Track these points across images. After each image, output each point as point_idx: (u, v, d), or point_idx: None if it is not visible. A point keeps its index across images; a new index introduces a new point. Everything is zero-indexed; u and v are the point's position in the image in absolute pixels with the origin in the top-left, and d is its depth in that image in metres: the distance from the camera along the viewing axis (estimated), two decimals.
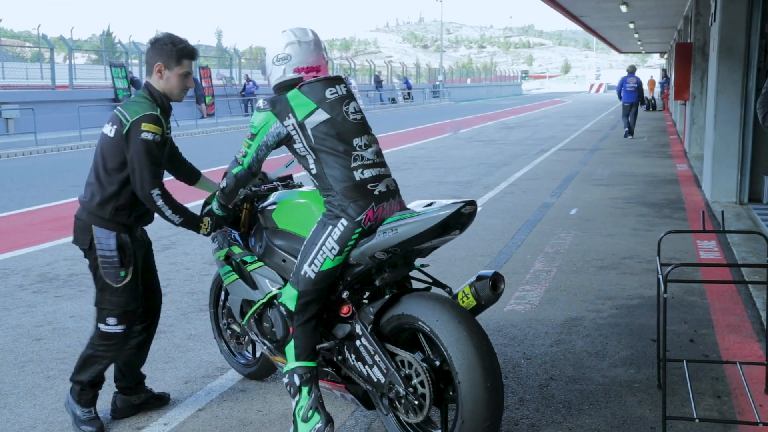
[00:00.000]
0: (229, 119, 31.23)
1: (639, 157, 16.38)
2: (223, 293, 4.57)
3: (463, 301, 3.37)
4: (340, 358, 3.59)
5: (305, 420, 3.45)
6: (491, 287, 3.30)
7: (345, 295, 3.52)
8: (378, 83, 50.83)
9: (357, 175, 3.43)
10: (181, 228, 3.91)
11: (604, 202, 10.63)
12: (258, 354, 4.43)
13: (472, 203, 3.29)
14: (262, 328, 3.92)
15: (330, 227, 3.39)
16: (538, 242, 8.18)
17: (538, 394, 4.23)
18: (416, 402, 3.27)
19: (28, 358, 4.94)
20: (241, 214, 4.16)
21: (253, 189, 4.18)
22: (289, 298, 3.54)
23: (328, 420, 3.45)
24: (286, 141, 3.52)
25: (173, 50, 3.74)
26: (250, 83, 35.30)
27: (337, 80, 3.58)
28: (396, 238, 3.28)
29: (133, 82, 28.23)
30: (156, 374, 4.66)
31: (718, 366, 4.54)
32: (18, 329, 5.51)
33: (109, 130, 3.71)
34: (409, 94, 53.72)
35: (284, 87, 3.58)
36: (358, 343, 3.45)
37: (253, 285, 3.98)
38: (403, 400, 3.32)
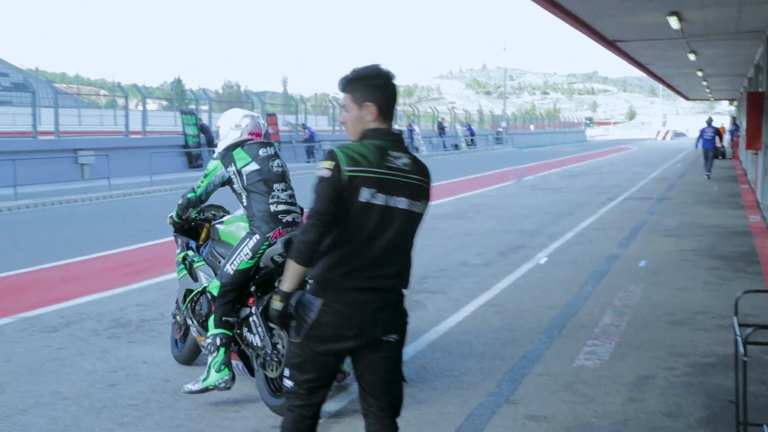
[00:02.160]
0: (293, 165, 31.62)
1: (709, 207, 16.07)
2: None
3: None
4: (238, 332, 5.04)
5: (218, 371, 4.89)
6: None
7: (252, 289, 5.05)
8: (441, 129, 51.07)
9: (272, 207, 4.95)
10: None
11: (674, 254, 10.43)
12: (187, 341, 5.78)
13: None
14: (194, 311, 5.40)
15: (248, 239, 4.92)
16: (607, 295, 8.06)
17: None
18: (276, 360, 4.79)
19: (103, 404, 5.04)
20: (201, 230, 5.80)
21: (214, 214, 5.84)
22: (215, 287, 5.04)
23: (233, 377, 4.93)
24: (228, 182, 5.09)
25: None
26: (305, 131, 35.82)
27: (269, 144, 5.20)
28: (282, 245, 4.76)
29: (203, 129, 28.94)
30: (225, 423, 4.72)
31: None
32: (93, 374, 5.64)
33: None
34: (472, 140, 53.82)
35: (232, 146, 5.13)
36: (251, 319, 4.98)
37: (195, 279, 5.55)
38: (268, 359, 4.83)
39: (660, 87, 36.25)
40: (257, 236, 4.90)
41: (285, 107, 47.52)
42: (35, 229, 13.91)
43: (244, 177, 5.02)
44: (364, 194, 2.97)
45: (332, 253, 2.99)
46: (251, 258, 4.89)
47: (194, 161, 28.14)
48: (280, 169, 5.15)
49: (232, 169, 5.06)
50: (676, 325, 6.85)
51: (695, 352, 6.02)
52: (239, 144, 5.17)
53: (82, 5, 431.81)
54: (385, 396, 3.18)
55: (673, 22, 14.53)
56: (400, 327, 3.16)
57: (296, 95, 46.01)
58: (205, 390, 4.93)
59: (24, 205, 17.39)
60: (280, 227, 4.93)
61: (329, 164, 2.96)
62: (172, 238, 6.10)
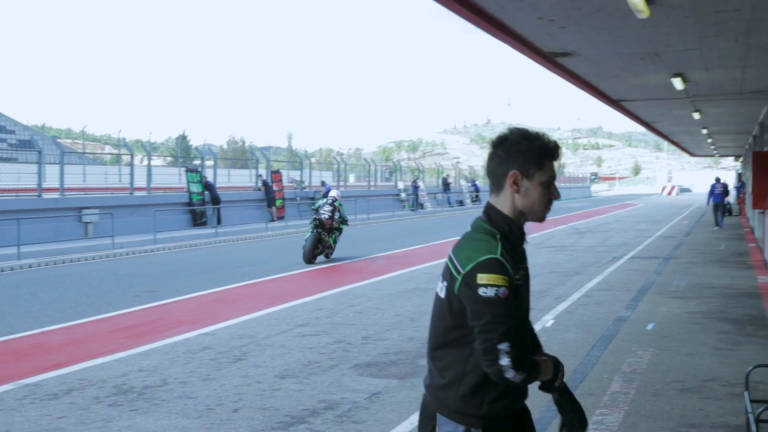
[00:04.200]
0: (298, 222, 31.72)
1: (717, 267, 15.96)
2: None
3: None
4: None
5: None
6: None
7: None
8: (446, 186, 51.29)
9: None
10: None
11: (682, 317, 10.32)
12: None
13: None
14: None
15: None
16: (615, 360, 7.95)
17: None
18: None
19: None
20: None
21: None
22: None
23: None
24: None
25: (531, 150, 2.70)
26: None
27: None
28: None
29: (207, 187, 29.05)
30: None
31: None
32: None
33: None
34: (477, 196, 53.99)
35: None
36: None
37: None
38: None
39: (665, 142, 36.34)
40: None
41: (290, 163, 47.77)
42: (38, 289, 13.85)
43: None
44: None
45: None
46: None
47: (198, 219, 28.19)
48: None
49: None
50: (686, 393, 6.73)
51: (706, 423, 5.90)
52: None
53: (89, 61, 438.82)
54: None
55: (678, 83, 14.62)
56: None
57: (301, 150, 46.26)
58: None
59: (27, 265, 17.38)
60: None
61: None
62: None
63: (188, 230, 26.56)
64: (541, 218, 2.77)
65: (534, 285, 13.48)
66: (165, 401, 6.60)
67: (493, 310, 2.50)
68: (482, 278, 2.52)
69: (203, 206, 28.69)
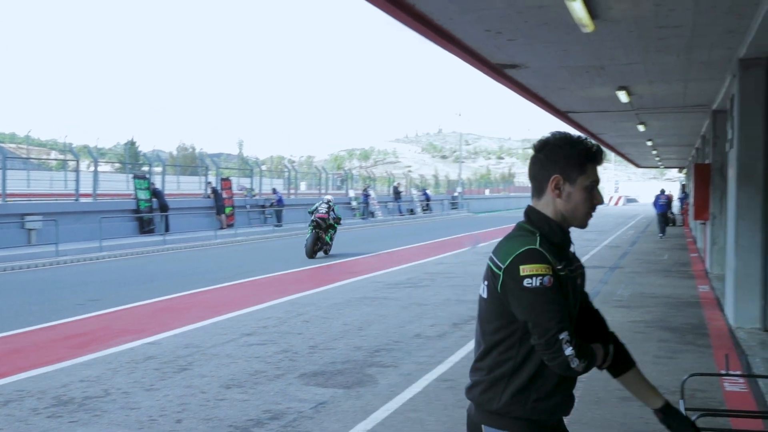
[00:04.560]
0: (248, 230, 31.53)
1: (660, 277, 16.28)
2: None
3: None
4: None
5: None
6: None
7: None
8: (397, 194, 51.43)
9: None
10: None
11: (626, 326, 10.49)
12: None
13: None
14: None
15: None
16: None
17: None
18: None
19: None
20: None
21: None
22: None
23: None
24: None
25: (573, 154, 2.63)
26: (276, 195, 35.93)
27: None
28: None
29: (156, 194, 28.71)
30: None
31: None
32: None
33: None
34: (427, 205, 54.22)
35: None
36: None
37: None
38: None
39: (612, 153, 36.92)
40: None
41: (240, 170, 47.46)
42: None
43: None
44: None
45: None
46: None
47: (146, 226, 27.83)
48: None
49: None
50: (627, 401, 6.84)
51: (645, 429, 6.01)
52: None
53: (35, 63, 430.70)
54: None
55: (623, 96, 14.92)
56: None
57: (252, 158, 45.98)
58: None
59: None
60: None
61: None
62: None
63: (135, 238, 26.20)
64: (583, 224, 2.71)
65: None
66: (106, 412, 6.50)
67: (542, 299, 2.45)
68: (524, 269, 2.47)
69: (151, 213, 28.31)
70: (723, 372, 4.10)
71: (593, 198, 2.67)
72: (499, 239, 2.72)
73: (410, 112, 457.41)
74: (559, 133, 2.68)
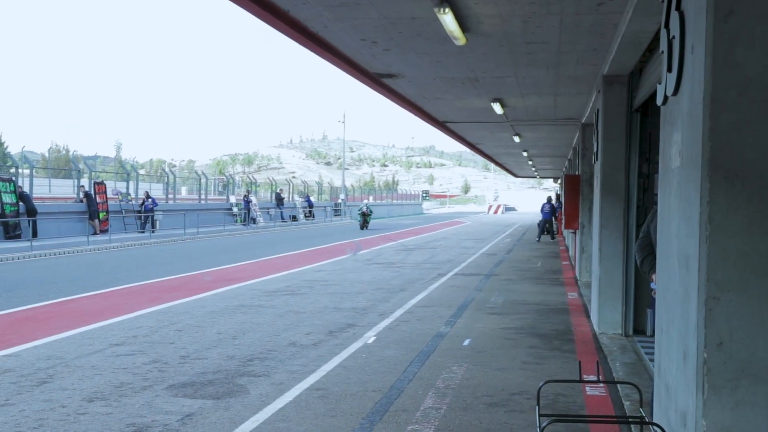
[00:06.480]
0: (123, 236, 30.60)
1: (532, 284, 16.77)
2: None
3: None
4: None
5: None
6: None
7: None
8: (279, 200, 51.04)
9: None
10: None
11: (497, 332, 10.75)
12: None
13: None
14: None
15: None
16: (430, 376, 8.16)
17: None
18: None
19: None
20: None
21: None
22: None
23: None
24: None
25: None
26: (149, 200, 34.89)
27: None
28: None
29: (23, 197, 27.48)
30: None
31: None
32: None
33: None
34: (310, 211, 54.07)
35: None
36: None
37: None
38: None
39: (491, 164, 38.05)
40: None
41: (117, 174, 46.01)
42: None
43: None
44: None
45: None
46: None
47: (11, 231, 26.59)
48: None
49: None
50: (494, 407, 7.00)
51: None
52: None
53: None
54: None
55: (497, 108, 15.32)
56: None
57: (130, 161, 44.71)
58: None
59: None
60: None
61: None
62: None
63: (0, 243, 25.00)
64: None
65: (359, 302, 13.72)
66: None
67: None
68: None
69: (17, 218, 27.08)
70: (577, 379, 4.25)
71: None
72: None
73: (295, 118, 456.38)
74: None
